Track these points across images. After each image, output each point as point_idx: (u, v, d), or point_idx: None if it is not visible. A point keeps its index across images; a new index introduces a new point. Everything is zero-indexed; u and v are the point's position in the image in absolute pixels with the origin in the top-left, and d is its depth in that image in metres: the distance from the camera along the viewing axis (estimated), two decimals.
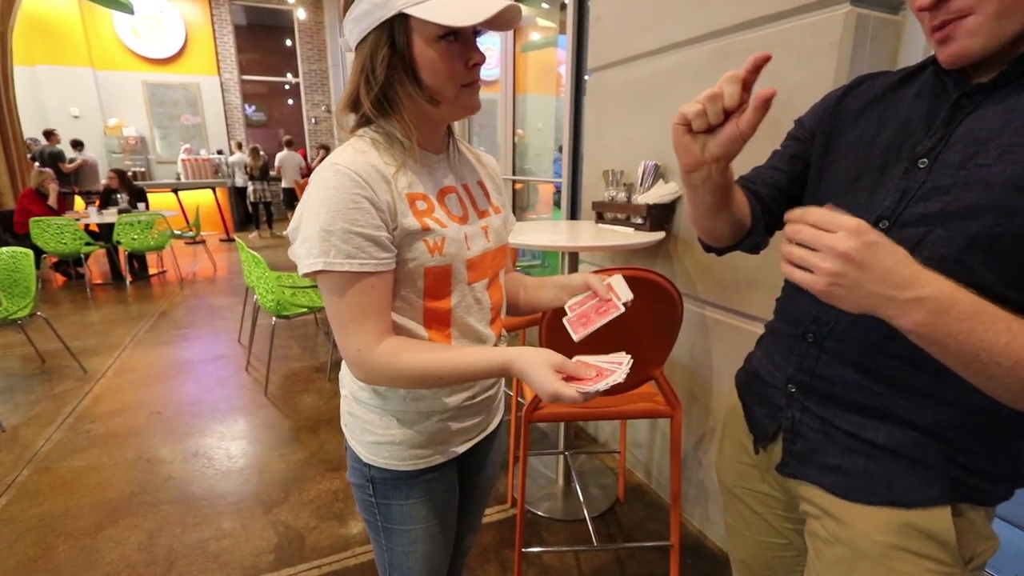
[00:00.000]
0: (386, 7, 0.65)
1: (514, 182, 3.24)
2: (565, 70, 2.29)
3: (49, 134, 6.45)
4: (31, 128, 6.43)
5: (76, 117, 7.60)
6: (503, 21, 0.70)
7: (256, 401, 2.66)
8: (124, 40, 7.90)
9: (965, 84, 0.58)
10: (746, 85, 0.55)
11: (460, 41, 0.68)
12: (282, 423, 2.44)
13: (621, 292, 0.75)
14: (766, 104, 0.54)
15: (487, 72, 4.06)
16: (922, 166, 0.58)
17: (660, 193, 1.58)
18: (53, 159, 6.30)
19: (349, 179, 0.64)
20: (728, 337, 1.51)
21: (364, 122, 0.73)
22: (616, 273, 0.79)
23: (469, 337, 0.79)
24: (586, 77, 2.00)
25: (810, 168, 0.75)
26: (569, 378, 0.62)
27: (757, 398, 0.78)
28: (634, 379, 1.31)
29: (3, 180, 5.43)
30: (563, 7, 2.37)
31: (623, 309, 0.73)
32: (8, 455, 2.18)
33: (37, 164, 5.86)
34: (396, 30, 0.66)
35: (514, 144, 3.16)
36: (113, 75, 7.90)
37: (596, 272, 0.83)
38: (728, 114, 0.57)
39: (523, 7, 3.09)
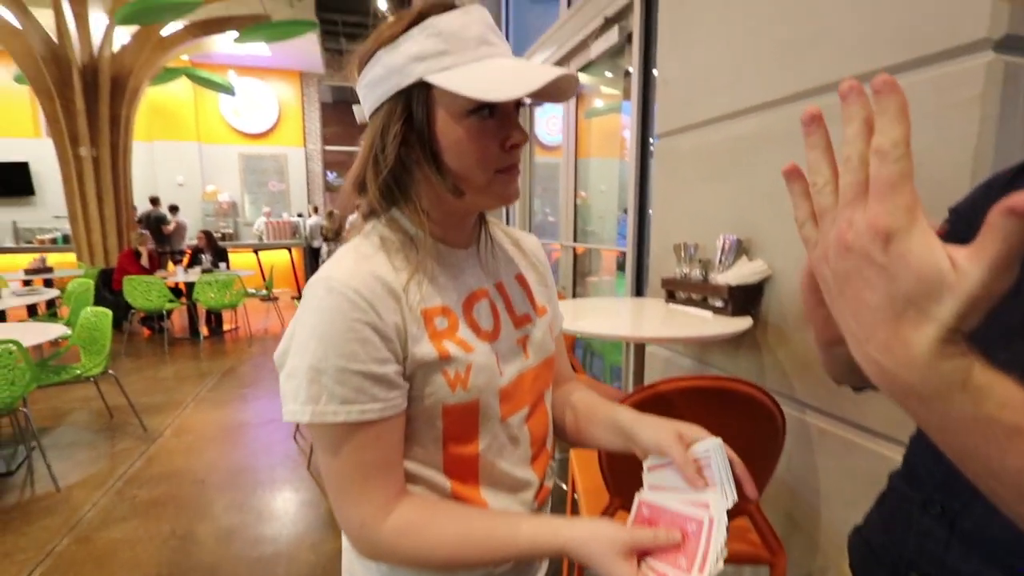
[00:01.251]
0: (404, 73, 0.52)
1: (574, 248, 3.09)
2: (630, 135, 2.16)
3: (154, 200, 7.20)
4: (142, 195, 7.21)
5: (180, 185, 8.50)
6: (556, 92, 0.55)
7: (298, 474, 2.55)
8: (226, 117, 8.89)
9: None
10: None
11: (496, 117, 0.53)
12: (320, 503, 2.30)
13: (718, 474, 0.52)
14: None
15: (549, 138, 4.08)
16: None
17: (743, 272, 1.35)
18: (157, 222, 6.98)
19: (346, 300, 0.49)
20: (838, 453, 1.21)
21: (373, 212, 0.59)
22: (711, 439, 0.55)
23: (503, 486, 0.60)
24: (653, 142, 1.85)
25: None
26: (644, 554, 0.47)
27: None
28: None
29: (112, 241, 6.04)
30: (627, 74, 2.28)
31: (719, 522, 0.48)
32: (55, 519, 2.17)
33: (141, 227, 6.50)
34: (415, 101, 0.52)
35: (576, 206, 3.04)
36: (214, 148, 8.85)
37: (681, 434, 0.57)
38: None
39: (584, 75, 3.08)
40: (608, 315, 1.60)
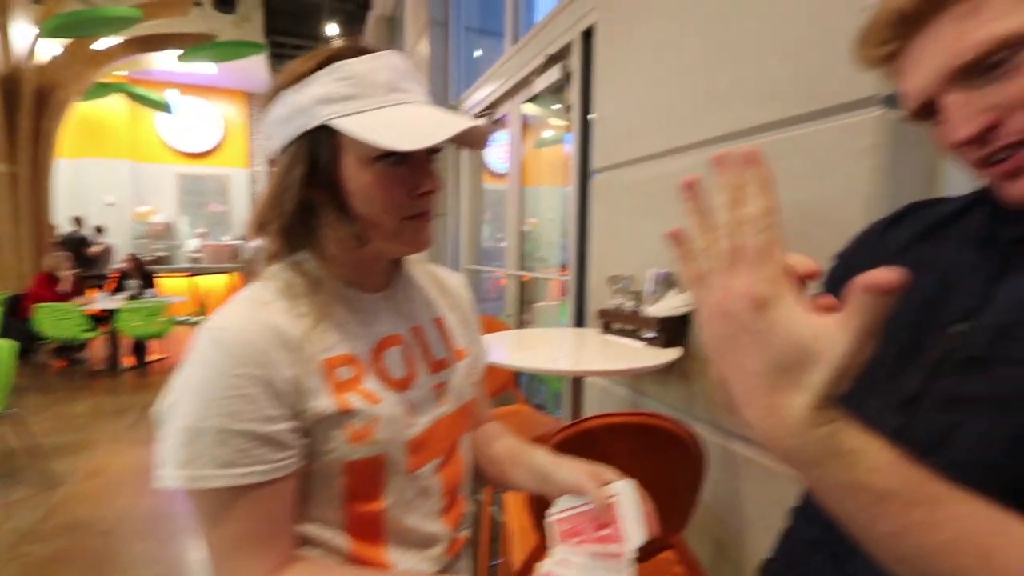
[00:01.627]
0: (309, 115, 0.50)
1: (520, 277, 3.11)
2: (573, 168, 2.22)
3: (77, 220, 6.72)
4: (67, 214, 6.71)
5: (110, 205, 7.98)
6: (471, 140, 0.55)
7: None
8: (164, 136, 8.50)
9: (1018, 230, 0.45)
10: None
11: (407, 164, 0.52)
12: None
13: (628, 514, 0.53)
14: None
15: (500, 166, 4.14)
16: (959, 330, 0.45)
17: (672, 304, 1.39)
18: (79, 244, 6.50)
19: (230, 354, 0.46)
20: (762, 482, 1.24)
21: (278, 254, 0.56)
22: (624, 480, 0.57)
23: (411, 543, 0.57)
24: (593, 177, 1.91)
25: None
26: None
27: None
28: (649, 547, 1.04)
29: (28, 265, 5.55)
30: (569, 109, 2.36)
31: (627, 553, 0.51)
32: None
33: (61, 248, 6.03)
34: (320, 144, 0.51)
35: (523, 234, 3.07)
36: (150, 167, 8.40)
37: (596, 475, 0.59)
38: None
39: (532, 107, 3.17)
40: (548, 347, 1.60)
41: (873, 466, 0.29)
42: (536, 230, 3.72)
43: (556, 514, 0.56)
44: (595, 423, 0.89)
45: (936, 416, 0.43)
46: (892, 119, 0.96)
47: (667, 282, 1.45)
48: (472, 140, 0.57)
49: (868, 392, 0.50)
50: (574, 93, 2.18)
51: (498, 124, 3.35)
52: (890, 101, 0.97)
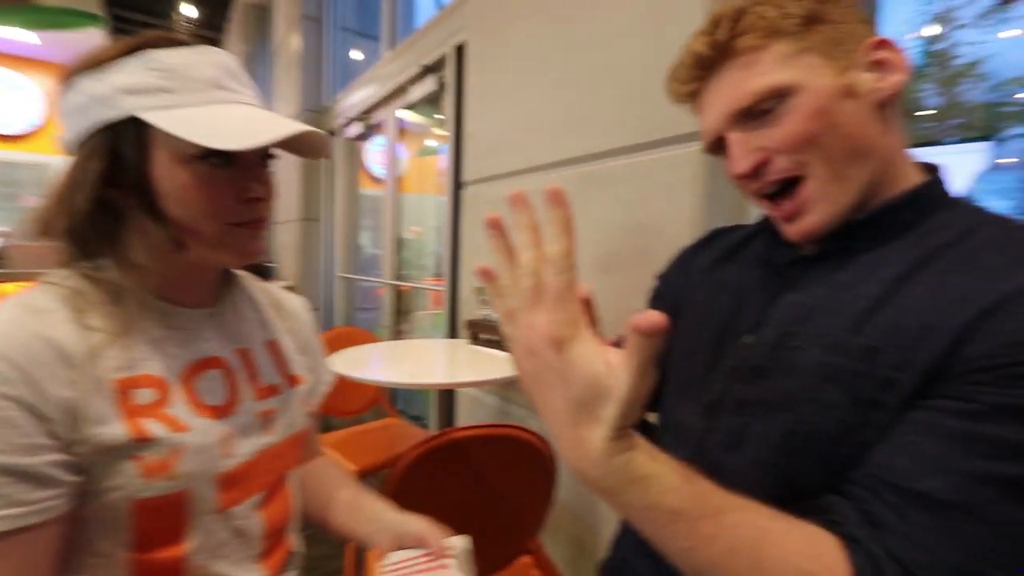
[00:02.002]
0: (109, 105, 0.45)
1: (397, 286, 3.04)
2: (448, 180, 2.23)
3: None
4: None
5: None
6: (307, 149, 0.52)
7: None
8: None
9: (794, 252, 0.52)
10: None
11: (234, 167, 0.48)
12: None
13: (461, 569, 0.54)
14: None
15: (382, 171, 4.02)
16: (747, 342, 0.51)
17: None
18: None
19: None
20: None
21: (70, 259, 0.49)
22: (459, 537, 0.58)
23: None
24: (464, 189, 1.94)
25: None
26: None
27: None
28: (508, 555, 1.07)
29: None
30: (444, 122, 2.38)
31: None
32: None
33: None
34: (124, 138, 0.45)
35: (397, 242, 3.00)
36: None
37: (435, 529, 0.59)
38: None
39: (412, 115, 3.13)
40: (418, 360, 1.58)
41: (665, 487, 0.32)
42: (420, 238, 3.67)
43: (390, 566, 0.55)
44: (461, 434, 0.90)
45: (732, 419, 0.49)
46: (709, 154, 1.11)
47: None
48: (310, 148, 0.54)
49: (685, 397, 0.56)
50: (448, 105, 2.20)
51: (376, 129, 3.26)
52: None
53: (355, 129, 3.23)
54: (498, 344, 1.57)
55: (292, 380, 0.61)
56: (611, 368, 0.30)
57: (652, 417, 0.69)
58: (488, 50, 1.78)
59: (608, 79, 1.31)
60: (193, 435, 0.48)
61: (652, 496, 0.32)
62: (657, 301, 0.72)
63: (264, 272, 0.68)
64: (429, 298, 3.47)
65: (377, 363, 1.51)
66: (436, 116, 3.92)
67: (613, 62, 1.30)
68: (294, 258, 3.87)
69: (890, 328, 0.41)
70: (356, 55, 3.86)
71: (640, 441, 0.33)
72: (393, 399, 3.16)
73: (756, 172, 0.49)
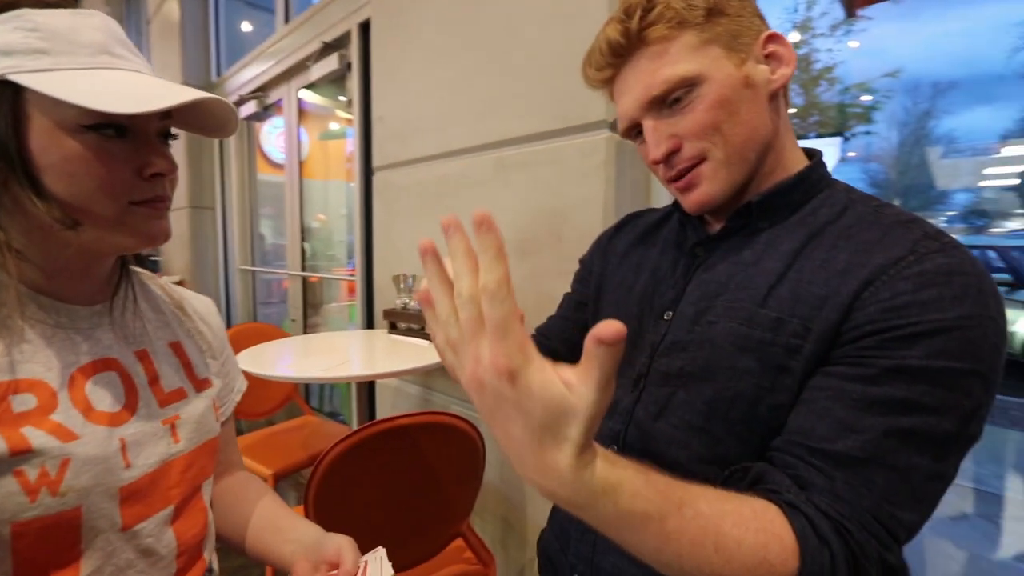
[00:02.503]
0: None
1: (304, 277, 2.88)
2: (356, 165, 2.14)
3: None
4: None
5: None
6: (212, 125, 0.48)
7: None
8: None
9: (701, 233, 0.57)
10: None
11: (132, 140, 0.44)
12: None
13: None
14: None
15: (280, 155, 3.74)
16: (666, 318, 0.55)
17: None
18: None
19: None
20: None
21: None
22: (377, 549, 0.55)
23: None
24: (374, 175, 1.86)
25: (589, 310, 0.70)
26: None
27: None
28: (441, 541, 1.07)
29: None
30: (351, 102, 2.26)
31: None
32: None
33: None
34: None
35: (303, 230, 2.83)
36: None
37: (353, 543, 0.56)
38: None
39: (314, 95, 2.94)
40: (332, 353, 1.52)
41: (632, 492, 0.33)
42: (326, 227, 3.48)
43: None
44: (376, 429, 0.88)
45: (658, 390, 0.53)
46: (616, 140, 1.16)
47: None
48: (214, 123, 0.50)
49: (618, 372, 0.60)
50: (354, 86, 2.10)
51: (274, 109, 3.03)
52: (614, 126, 1.17)
53: (249, 108, 2.98)
54: (417, 332, 1.55)
55: (199, 384, 0.57)
56: (571, 386, 0.30)
57: None
58: (395, 30, 1.72)
59: (520, 66, 1.32)
60: (84, 444, 0.43)
61: (623, 504, 0.33)
62: (580, 284, 0.75)
63: (146, 266, 0.62)
64: (341, 289, 3.32)
65: (288, 359, 1.43)
66: (340, 97, 3.72)
67: (524, 50, 1.31)
68: (183, 250, 3.52)
69: (791, 300, 0.46)
70: (247, 27, 3.54)
71: (599, 449, 0.33)
72: (307, 397, 3.01)
73: (668, 158, 0.52)
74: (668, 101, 0.50)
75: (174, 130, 0.50)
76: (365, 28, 2.02)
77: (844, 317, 0.43)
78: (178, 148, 3.39)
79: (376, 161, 1.83)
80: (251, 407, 1.89)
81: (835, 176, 0.55)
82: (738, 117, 0.50)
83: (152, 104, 0.41)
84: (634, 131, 0.56)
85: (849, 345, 0.42)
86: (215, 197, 3.50)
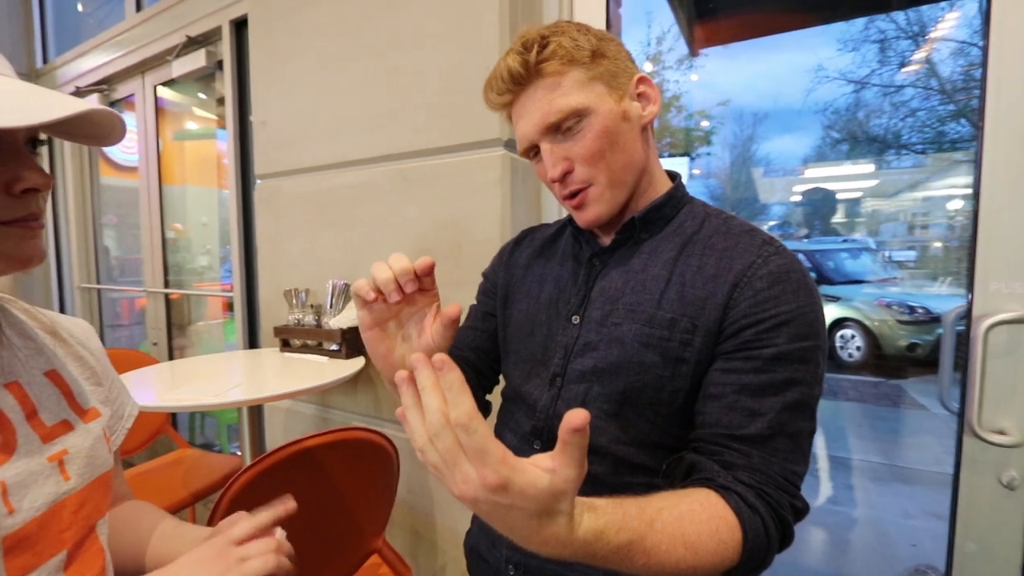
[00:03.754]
0: None
1: (167, 295, 2.57)
2: (230, 169, 1.97)
3: None
4: None
5: None
6: (96, 134, 0.45)
7: None
8: None
9: (595, 246, 0.66)
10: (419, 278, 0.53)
11: None
12: None
13: None
14: (455, 323, 0.54)
15: (125, 157, 3.28)
16: (575, 322, 0.63)
17: (353, 315, 1.42)
18: None
19: None
20: None
21: None
22: (275, 530, 0.54)
23: None
24: (256, 183, 1.74)
25: (498, 320, 0.75)
26: None
27: None
28: (356, 559, 1.05)
29: None
30: (220, 102, 2.09)
31: None
32: None
33: None
34: None
35: (163, 242, 2.53)
36: None
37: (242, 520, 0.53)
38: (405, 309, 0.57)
39: (170, 92, 2.64)
40: (216, 376, 1.39)
41: (616, 528, 0.39)
42: (185, 237, 3.13)
43: None
44: (281, 455, 0.84)
45: (576, 386, 0.60)
46: (511, 157, 1.24)
47: (347, 293, 1.47)
48: (96, 133, 0.46)
49: (531, 375, 0.65)
50: (227, 86, 1.95)
51: (123, 105, 2.67)
52: (509, 145, 1.26)
53: (91, 102, 2.58)
54: (314, 349, 1.49)
55: (85, 415, 0.52)
56: (554, 471, 0.34)
57: (499, 394, 0.77)
58: (279, 31, 1.63)
59: (416, 80, 1.35)
60: None
61: (613, 541, 0.39)
62: (485, 296, 0.80)
63: None
64: (211, 306, 3.01)
65: (155, 388, 1.28)
66: (200, 95, 3.37)
67: (420, 65, 1.34)
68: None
69: (679, 302, 0.56)
70: (82, 8, 3.07)
71: (580, 500, 0.38)
72: (176, 428, 2.69)
73: (563, 179, 0.61)
74: (562, 128, 0.59)
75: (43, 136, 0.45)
76: (239, 25, 1.89)
77: (723, 314, 0.54)
78: None
79: (259, 168, 1.72)
80: None
81: (688, 190, 0.67)
82: (618, 146, 0.59)
83: (27, 116, 0.37)
84: (532, 151, 0.63)
85: (733, 337, 0.53)
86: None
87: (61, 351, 0.54)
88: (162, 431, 1.78)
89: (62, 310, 3.04)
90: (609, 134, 0.58)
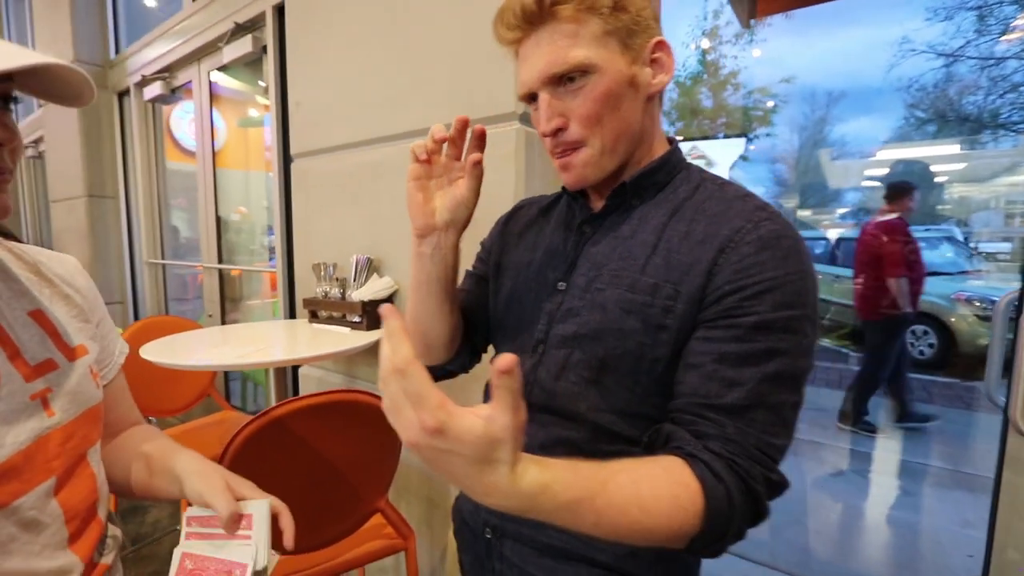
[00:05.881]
0: None
1: (220, 271, 2.75)
2: (274, 152, 2.07)
3: None
4: None
5: None
6: (66, 93, 0.46)
7: None
8: None
9: (587, 211, 0.64)
10: (454, 144, 0.60)
11: None
12: None
13: (255, 534, 0.53)
14: (478, 166, 0.60)
15: (188, 141, 3.51)
16: (560, 288, 0.62)
17: (374, 289, 1.47)
18: None
19: None
20: None
21: None
22: (259, 500, 0.56)
23: None
24: (293, 163, 1.82)
25: (490, 288, 0.75)
26: None
27: (465, 544, 0.70)
28: (359, 518, 1.09)
29: None
30: (267, 89, 2.19)
31: (248, 572, 0.52)
32: None
33: None
34: None
35: (218, 222, 2.70)
36: None
37: (231, 489, 0.56)
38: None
39: (230, 79, 2.79)
40: (249, 343, 1.48)
41: (564, 485, 0.39)
42: (248, 220, 3.32)
43: (194, 519, 0.55)
44: (283, 410, 0.89)
45: (556, 352, 0.59)
46: (525, 131, 1.23)
47: (369, 267, 1.51)
48: (67, 91, 0.46)
49: (517, 339, 0.65)
50: (270, 71, 2.04)
51: (182, 92, 2.86)
52: (524, 118, 1.24)
53: (155, 90, 2.78)
54: (339, 320, 1.55)
55: (71, 352, 0.55)
56: (490, 419, 0.34)
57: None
58: (310, 14, 1.69)
59: (431, 57, 1.35)
60: None
61: (559, 497, 0.39)
62: (480, 263, 0.80)
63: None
64: (264, 284, 3.20)
65: (201, 349, 1.38)
66: (260, 83, 3.54)
67: (435, 41, 1.34)
68: (81, 243, 3.24)
69: (664, 267, 0.54)
70: (150, 2, 3.29)
71: (526, 456, 0.38)
72: (228, 395, 2.89)
73: (556, 134, 0.58)
74: (565, 80, 0.56)
75: (17, 93, 0.46)
76: (280, 10, 1.96)
77: (707, 280, 0.51)
78: (73, 130, 3.11)
79: (294, 148, 1.79)
80: (161, 403, 1.81)
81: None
82: (618, 112, 0.56)
83: None
84: (531, 98, 0.60)
85: (715, 304, 0.51)
86: (117, 185, 3.25)
87: (47, 291, 0.57)
88: (207, 393, 1.92)
89: (133, 283, 3.33)
90: (611, 98, 0.55)
